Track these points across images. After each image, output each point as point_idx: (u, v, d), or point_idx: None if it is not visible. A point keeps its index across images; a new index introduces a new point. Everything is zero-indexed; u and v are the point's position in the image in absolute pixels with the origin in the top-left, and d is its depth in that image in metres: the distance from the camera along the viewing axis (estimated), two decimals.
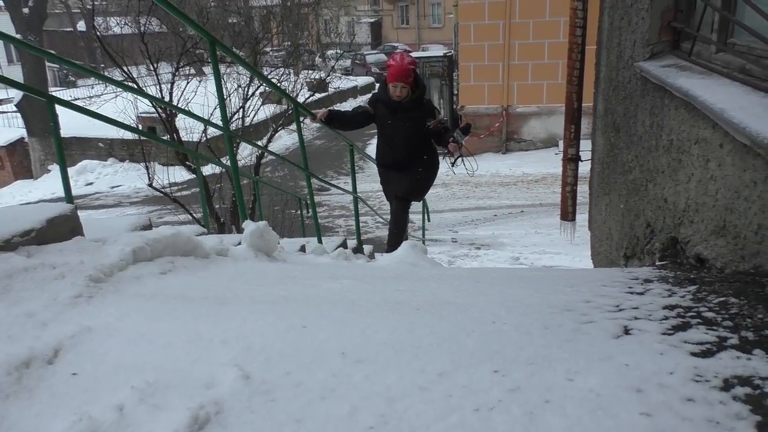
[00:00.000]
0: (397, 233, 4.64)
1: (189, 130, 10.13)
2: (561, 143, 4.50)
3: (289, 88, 11.22)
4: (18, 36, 17.46)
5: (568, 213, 4.06)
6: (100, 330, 1.54)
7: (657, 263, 2.26)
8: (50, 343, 1.45)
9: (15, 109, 19.11)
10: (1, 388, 1.27)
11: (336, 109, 4.74)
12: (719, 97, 1.76)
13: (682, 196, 2.07)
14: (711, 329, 1.23)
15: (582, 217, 4.06)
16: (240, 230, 3.64)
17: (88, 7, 11.78)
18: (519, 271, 2.45)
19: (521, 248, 9.50)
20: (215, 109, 7.88)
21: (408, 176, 4.47)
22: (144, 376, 1.28)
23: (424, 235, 8.68)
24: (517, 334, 1.32)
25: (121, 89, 4.21)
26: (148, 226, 2.91)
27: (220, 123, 3.72)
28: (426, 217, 8.08)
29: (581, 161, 3.90)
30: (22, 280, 1.76)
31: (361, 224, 6.18)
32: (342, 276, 2.05)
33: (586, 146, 3.86)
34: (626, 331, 1.30)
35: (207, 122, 4.42)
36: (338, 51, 23.56)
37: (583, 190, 3.99)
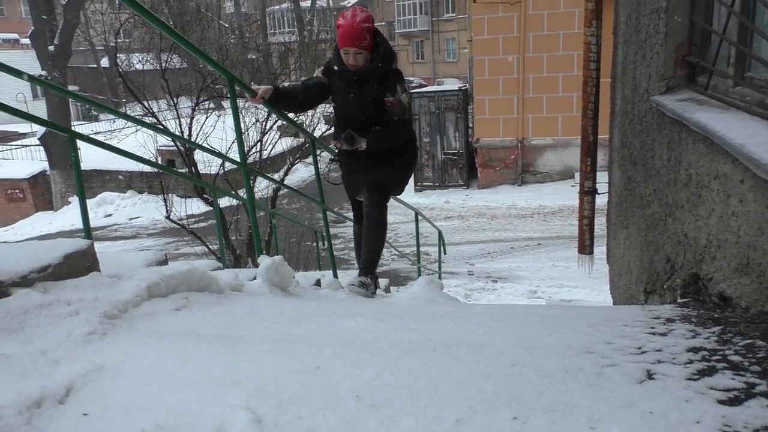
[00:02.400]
0: (375, 240, 3.50)
1: (207, 163, 10.26)
2: (577, 175, 4.45)
3: (306, 122, 11.37)
4: (43, 72, 17.96)
5: (585, 246, 4.02)
6: (113, 369, 1.52)
7: (679, 300, 2.21)
8: (62, 381, 1.44)
9: (38, 142, 19.54)
10: (11, 428, 1.25)
11: (284, 86, 3.75)
12: (738, 132, 1.73)
13: (703, 232, 2.03)
14: (738, 374, 1.19)
15: (600, 249, 4.02)
16: (255, 263, 3.64)
17: (111, 44, 12.10)
18: (537, 309, 2.41)
19: (538, 281, 9.41)
20: (233, 143, 7.99)
21: (378, 162, 3.50)
22: (155, 418, 1.26)
23: (440, 267, 8.63)
24: (537, 378, 1.28)
25: (139, 126, 4.27)
26: (164, 261, 2.92)
27: (238, 156, 3.75)
28: (442, 249, 8.04)
29: (598, 194, 3.87)
30: (37, 317, 1.76)
31: None
32: (357, 313, 2.03)
33: (602, 178, 3.84)
34: (649, 376, 1.25)
35: (224, 157, 4.47)
36: None
37: (600, 222, 3.95)
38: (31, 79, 2.99)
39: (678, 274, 2.34)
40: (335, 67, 3.43)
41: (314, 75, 3.66)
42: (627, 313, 1.89)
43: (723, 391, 1.14)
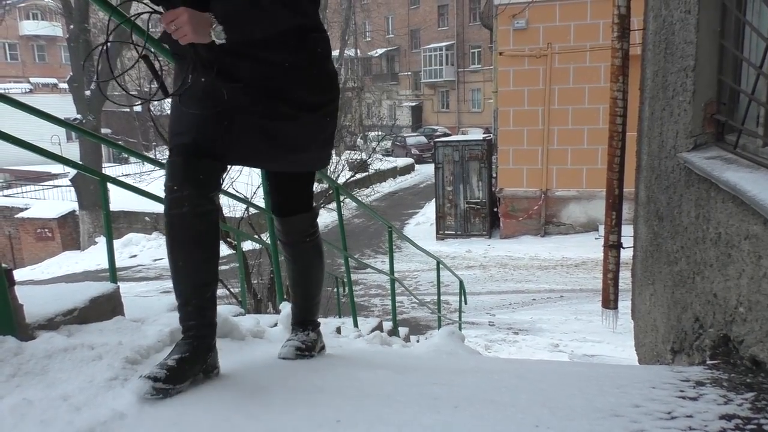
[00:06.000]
0: (316, 281, 2.36)
1: (232, 207, 10.40)
2: (601, 228, 4.42)
3: (331, 169, 11.51)
4: (78, 116, 18.58)
5: (609, 301, 3.94)
6: (132, 416, 1.52)
7: (708, 362, 2.15)
8: (83, 429, 1.43)
9: (69, 183, 20.06)
10: None
11: None
12: None
13: (733, 293, 1.99)
14: None
15: (624, 304, 3.94)
16: (276, 308, 3.64)
17: (145, 89, 12.52)
18: (561, 366, 2.36)
19: (561, 335, 9.23)
20: (258, 186, 8.12)
21: (276, 104, 1.82)
22: None
23: (460, 317, 8.52)
24: None
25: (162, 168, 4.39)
26: None
27: (263, 201, 3.79)
28: (463, 299, 7.95)
29: (623, 248, 3.82)
30: (60, 361, 1.77)
31: (397, 304, 6.11)
32: (378, 365, 2.00)
33: (627, 231, 3.80)
34: None
35: (249, 203, 4.54)
36: (380, 133, 24.19)
37: (625, 276, 3.89)
38: (59, 122, 3.09)
39: (707, 334, 2.28)
40: None
41: None
42: (655, 374, 1.84)
43: None
